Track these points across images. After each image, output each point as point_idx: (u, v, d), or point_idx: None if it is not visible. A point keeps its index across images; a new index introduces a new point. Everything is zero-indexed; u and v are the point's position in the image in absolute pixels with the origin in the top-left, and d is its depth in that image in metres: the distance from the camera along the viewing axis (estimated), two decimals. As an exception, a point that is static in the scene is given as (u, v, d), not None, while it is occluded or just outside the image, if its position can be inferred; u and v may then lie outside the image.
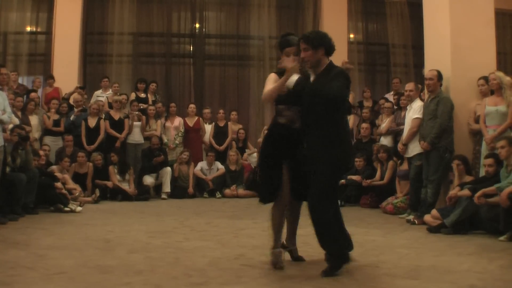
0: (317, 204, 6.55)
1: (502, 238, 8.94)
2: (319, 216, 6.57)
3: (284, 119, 6.97)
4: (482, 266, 6.94)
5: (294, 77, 6.86)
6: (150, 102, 17.54)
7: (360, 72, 20.83)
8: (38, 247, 8.01)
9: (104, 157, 15.37)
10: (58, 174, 13.28)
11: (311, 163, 6.68)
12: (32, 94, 15.64)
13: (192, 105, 17.73)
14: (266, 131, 7.84)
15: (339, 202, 14.10)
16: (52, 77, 17.60)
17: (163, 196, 15.81)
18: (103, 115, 16.26)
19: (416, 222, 10.86)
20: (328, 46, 6.76)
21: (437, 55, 12.63)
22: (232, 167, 16.70)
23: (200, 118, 17.63)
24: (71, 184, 13.57)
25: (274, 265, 6.81)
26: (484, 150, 11.14)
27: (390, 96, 16.62)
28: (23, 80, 17.96)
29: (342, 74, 6.68)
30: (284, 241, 7.32)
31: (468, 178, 10.73)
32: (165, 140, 16.90)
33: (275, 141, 7.00)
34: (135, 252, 7.78)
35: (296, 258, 7.33)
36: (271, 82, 6.99)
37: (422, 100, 12.16)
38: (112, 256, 7.47)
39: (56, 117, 15.77)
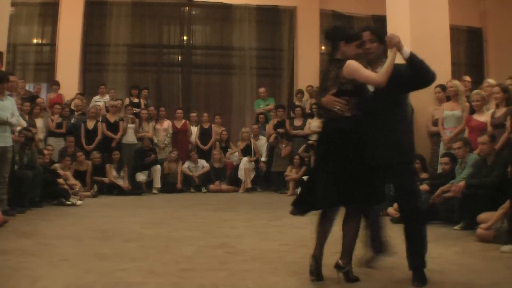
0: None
1: (456, 227, 9.10)
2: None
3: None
4: (439, 252, 6.98)
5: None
6: (143, 106, 17.52)
7: (331, 80, 20.84)
8: (43, 237, 8.01)
9: (101, 156, 15.36)
10: (60, 171, 13.27)
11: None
12: (38, 100, 15.68)
13: (179, 110, 17.85)
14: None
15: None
16: (57, 84, 17.64)
17: (154, 191, 15.84)
18: (100, 118, 16.25)
19: (381, 214, 10.93)
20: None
21: (399, 65, 12.72)
22: (216, 165, 16.75)
23: (187, 121, 17.70)
24: (72, 180, 13.54)
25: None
26: (441, 149, 11.30)
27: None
28: (30, 87, 17.93)
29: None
30: (339, 260, 5.72)
31: (423, 175, 10.86)
32: (156, 140, 16.96)
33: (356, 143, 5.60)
34: (130, 241, 7.78)
35: (350, 279, 5.69)
36: (362, 67, 5.58)
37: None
38: (109, 245, 7.47)
39: (59, 120, 15.78)
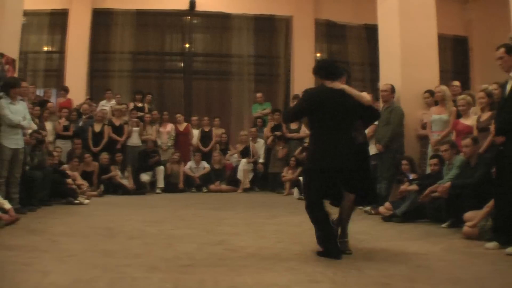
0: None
1: (443, 225, 9.10)
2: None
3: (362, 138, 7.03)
4: (427, 249, 6.98)
5: None
6: (146, 110, 17.49)
7: (324, 85, 20.81)
8: (52, 234, 7.98)
9: (110, 157, 15.35)
10: (68, 172, 13.24)
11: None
12: (49, 104, 15.76)
13: (178, 115, 17.85)
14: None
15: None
16: (65, 89, 17.63)
17: (157, 191, 15.82)
18: (107, 122, 16.23)
19: (373, 212, 10.94)
20: (320, 73, 6.87)
21: (389, 71, 12.77)
22: (216, 166, 16.73)
23: (189, 124, 17.69)
24: (80, 181, 13.53)
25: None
26: (430, 151, 11.30)
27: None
28: (40, 92, 17.91)
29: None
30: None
31: (413, 176, 10.86)
32: (159, 143, 16.93)
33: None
34: (134, 238, 7.76)
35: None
36: None
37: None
38: (114, 242, 7.46)
39: (66, 123, 15.74)
